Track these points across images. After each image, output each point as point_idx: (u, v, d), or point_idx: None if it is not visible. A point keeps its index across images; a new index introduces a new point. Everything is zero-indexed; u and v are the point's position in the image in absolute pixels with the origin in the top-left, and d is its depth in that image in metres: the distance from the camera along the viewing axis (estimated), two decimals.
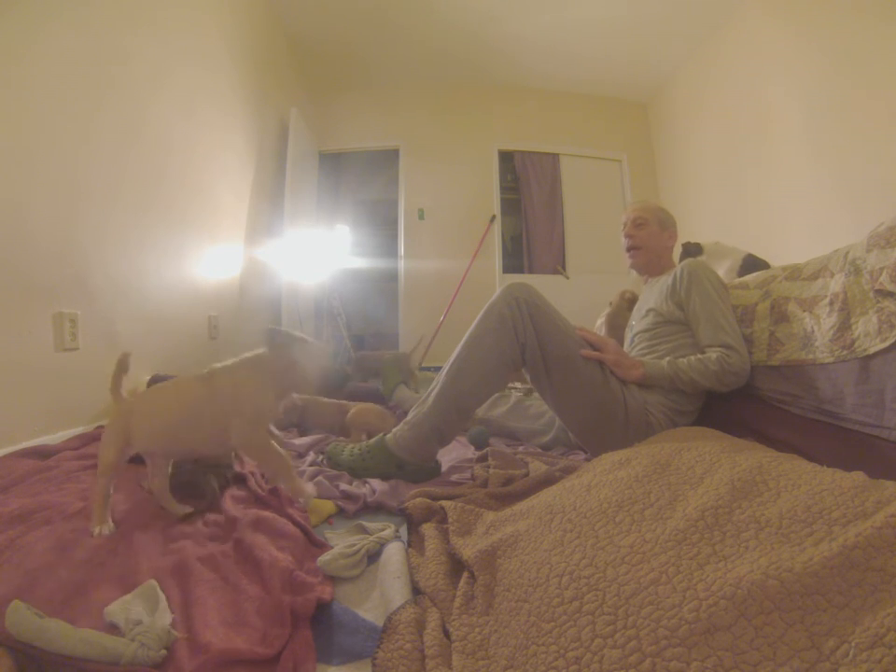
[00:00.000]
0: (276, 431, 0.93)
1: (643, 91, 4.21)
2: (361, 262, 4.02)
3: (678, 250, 2.14)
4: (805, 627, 0.39)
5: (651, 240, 1.46)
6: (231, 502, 0.90)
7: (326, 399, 1.60)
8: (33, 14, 1.24)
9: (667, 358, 1.24)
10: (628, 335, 1.48)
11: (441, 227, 4.04)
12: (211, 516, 0.84)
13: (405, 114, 4.14)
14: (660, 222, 1.47)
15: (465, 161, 4.11)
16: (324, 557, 0.70)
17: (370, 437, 1.36)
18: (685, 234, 2.02)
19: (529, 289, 1.22)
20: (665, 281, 1.37)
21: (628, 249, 1.49)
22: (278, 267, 3.14)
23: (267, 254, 3.00)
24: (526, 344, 1.18)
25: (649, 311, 1.38)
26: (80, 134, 1.41)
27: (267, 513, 0.83)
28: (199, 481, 0.92)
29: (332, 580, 0.67)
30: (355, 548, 0.73)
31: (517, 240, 4.31)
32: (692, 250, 2.04)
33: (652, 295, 1.41)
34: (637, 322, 1.44)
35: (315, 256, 3.40)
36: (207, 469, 0.95)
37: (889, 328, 0.89)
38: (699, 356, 1.21)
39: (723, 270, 1.92)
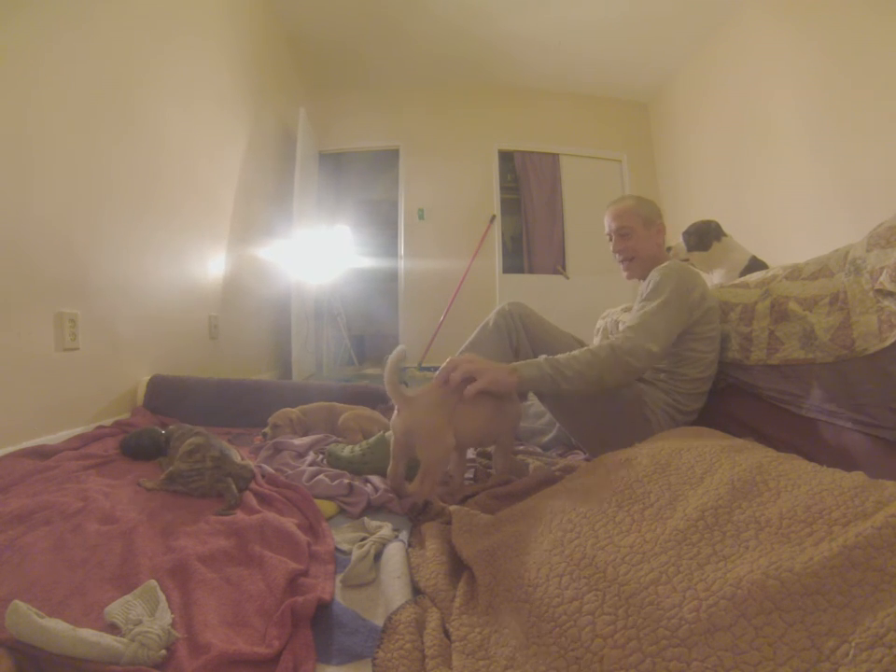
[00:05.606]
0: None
1: (643, 91, 4.21)
2: (362, 262, 4.02)
3: (677, 236, 2.04)
4: (805, 627, 0.39)
5: (640, 247, 1.37)
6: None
7: (317, 404, 1.59)
8: (32, 15, 1.23)
9: (544, 356, 1.06)
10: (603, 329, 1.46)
11: (441, 227, 4.04)
12: (213, 516, 0.84)
13: (405, 114, 4.13)
14: (644, 222, 1.37)
15: (465, 161, 4.11)
16: (343, 573, 0.69)
17: (366, 437, 1.36)
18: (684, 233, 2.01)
19: (521, 305, 1.35)
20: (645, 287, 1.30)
21: (621, 261, 1.42)
22: (285, 267, 3.14)
23: (269, 254, 3.00)
24: (520, 349, 1.30)
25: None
26: (80, 135, 1.41)
27: (268, 514, 0.83)
28: (221, 485, 0.94)
29: (333, 580, 0.67)
30: (365, 548, 0.73)
31: (517, 240, 4.31)
32: (711, 232, 1.91)
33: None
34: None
35: (320, 256, 3.40)
36: (229, 475, 0.97)
37: (889, 327, 0.89)
38: (590, 346, 1.10)
39: (726, 268, 1.89)
